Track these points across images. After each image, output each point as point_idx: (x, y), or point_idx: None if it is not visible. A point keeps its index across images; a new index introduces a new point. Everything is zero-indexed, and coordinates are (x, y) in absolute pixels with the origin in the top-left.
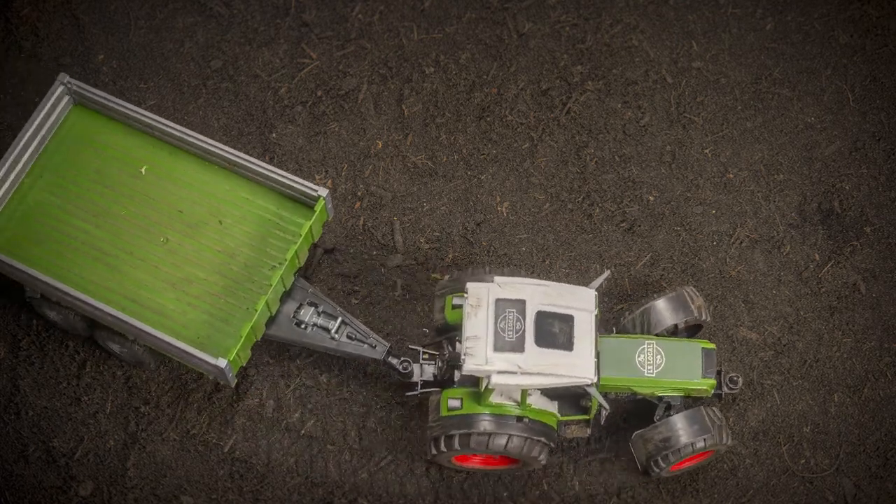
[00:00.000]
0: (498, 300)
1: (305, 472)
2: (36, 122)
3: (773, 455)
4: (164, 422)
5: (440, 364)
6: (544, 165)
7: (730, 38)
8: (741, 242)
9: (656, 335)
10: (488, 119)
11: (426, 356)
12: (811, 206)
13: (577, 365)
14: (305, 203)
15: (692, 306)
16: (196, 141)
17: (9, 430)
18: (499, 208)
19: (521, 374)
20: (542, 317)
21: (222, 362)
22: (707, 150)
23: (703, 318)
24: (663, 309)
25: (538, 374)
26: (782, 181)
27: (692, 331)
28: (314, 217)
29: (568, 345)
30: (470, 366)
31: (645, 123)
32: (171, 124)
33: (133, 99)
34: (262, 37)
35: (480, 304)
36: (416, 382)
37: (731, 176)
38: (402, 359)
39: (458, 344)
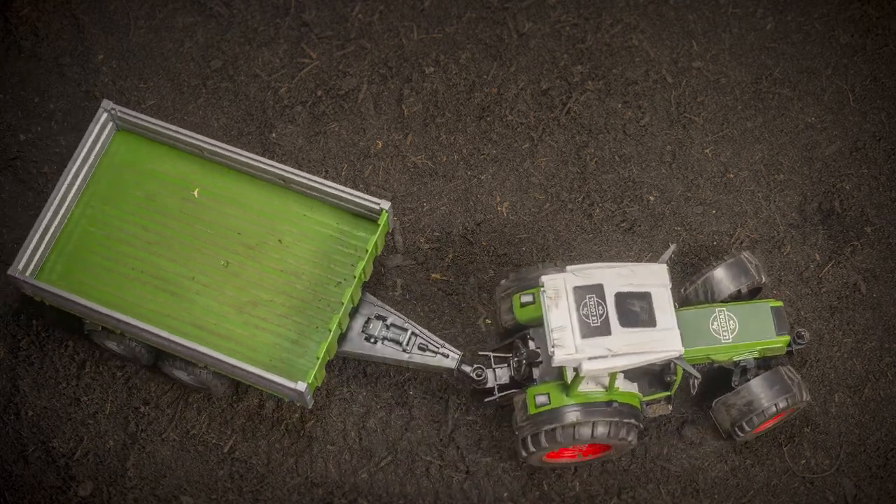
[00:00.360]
0: (576, 288)
1: (305, 473)
2: (83, 153)
3: (774, 455)
4: (163, 422)
5: (517, 364)
6: (544, 165)
7: (730, 38)
8: (741, 242)
9: (722, 302)
10: (488, 119)
11: (497, 360)
12: (811, 206)
13: (663, 339)
14: (366, 216)
15: (752, 270)
16: (248, 160)
17: (8, 431)
18: (499, 208)
19: (612, 356)
20: (621, 298)
21: (302, 386)
22: (707, 150)
23: (763, 279)
24: (723, 277)
25: (628, 354)
26: (783, 181)
27: (752, 293)
28: (379, 231)
29: (651, 321)
30: (560, 356)
31: (645, 123)
32: (221, 144)
33: (133, 99)
34: (261, 37)
35: (559, 294)
36: (493, 388)
37: (732, 176)
38: (476, 366)
39: (531, 342)
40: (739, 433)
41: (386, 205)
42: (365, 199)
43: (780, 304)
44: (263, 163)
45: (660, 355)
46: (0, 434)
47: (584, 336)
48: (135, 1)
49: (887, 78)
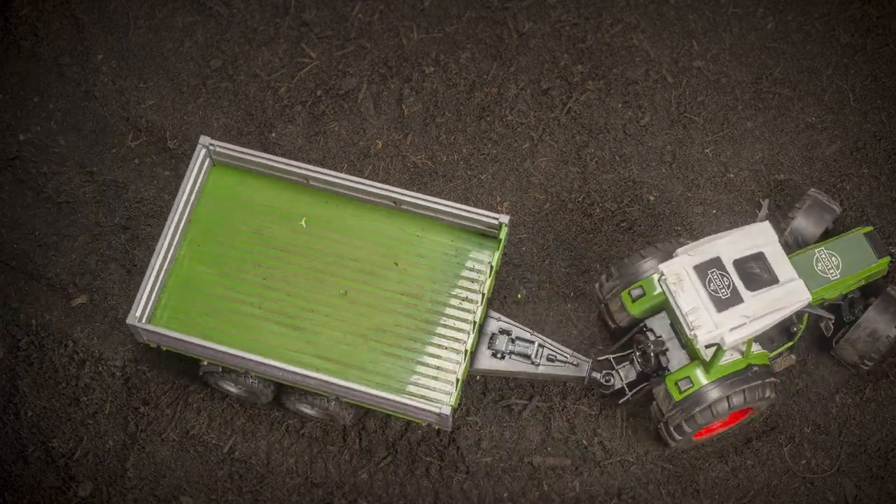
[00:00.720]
0: (696, 267)
1: (305, 473)
2: (185, 193)
3: (775, 456)
4: (163, 422)
5: (643, 357)
6: (544, 165)
7: (730, 38)
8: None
9: (815, 243)
10: (488, 119)
11: (618, 360)
12: None
13: (791, 291)
14: (481, 231)
15: (828, 203)
16: (353, 184)
17: (8, 431)
18: (499, 208)
19: (750, 322)
20: (739, 264)
21: (446, 409)
22: (707, 150)
23: (839, 209)
24: (807, 223)
25: (764, 315)
26: (783, 181)
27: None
28: (501, 245)
29: (773, 278)
30: (703, 336)
31: (645, 123)
32: (327, 171)
33: (133, 99)
34: (261, 36)
35: (681, 278)
36: (622, 388)
37: (732, 176)
38: (605, 371)
39: (650, 333)
40: (868, 363)
41: (505, 219)
42: (483, 215)
43: (870, 228)
44: (375, 186)
45: (793, 307)
46: (0, 434)
47: (719, 310)
48: (134, 0)
49: (888, 78)
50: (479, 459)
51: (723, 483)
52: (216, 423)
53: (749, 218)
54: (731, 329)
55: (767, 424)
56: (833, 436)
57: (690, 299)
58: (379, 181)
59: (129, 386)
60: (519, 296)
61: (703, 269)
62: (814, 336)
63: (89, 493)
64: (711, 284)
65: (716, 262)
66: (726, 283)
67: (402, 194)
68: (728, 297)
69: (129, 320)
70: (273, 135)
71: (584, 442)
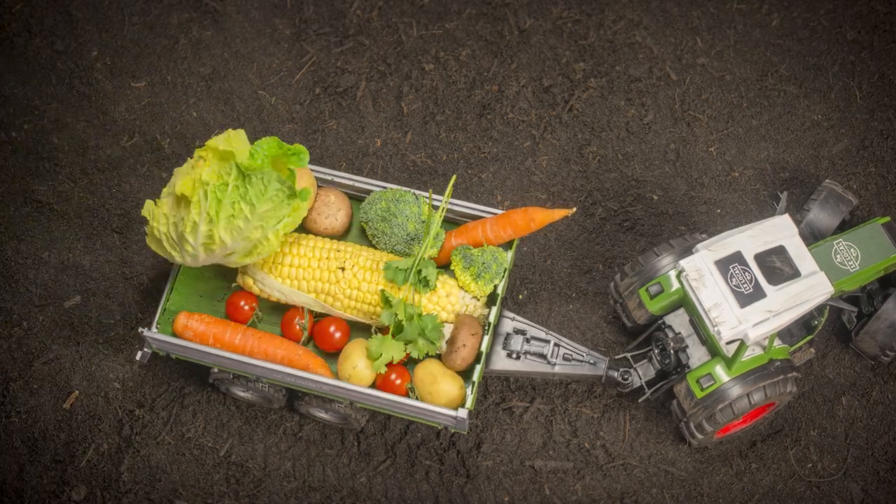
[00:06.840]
0: (717, 262)
1: (303, 477)
2: None
3: (780, 459)
4: (158, 425)
5: (662, 354)
6: (546, 164)
7: (735, 35)
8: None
9: (832, 235)
10: (489, 117)
11: (635, 359)
12: None
13: (814, 284)
14: None
15: (844, 194)
16: (363, 185)
17: (0, 434)
18: (500, 207)
19: (774, 316)
20: (760, 258)
21: (463, 412)
22: (712, 149)
23: (855, 200)
24: (823, 215)
25: (787, 309)
26: (788, 180)
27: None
28: (514, 247)
29: (795, 272)
30: (727, 332)
31: (648, 121)
32: (329, 171)
33: (130, 97)
34: (258, 33)
35: (702, 273)
36: (640, 386)
37: (737, 174)
38: (622, 369)
39: (669, 330)
40: (889, 353)
41: None
42: (495, 214)
43: (887, 219)
44: (380, 187)
45: (816, 300)
46: None
47: (742, 306)
48: None
49: (895, 75)
50: (480, 463)
51: (727, 487)
52: (212, 425)
53: (753, 217)
54: (755, 324)
55: (772, 427)
56: (839, 439)
57: (712, 295)
58: (379, 180)
59: (123, 388)
60: (520, 297)
61: (724, 264)
62: (828, 329)
63: (83, 497)
64: (733, 279)
65: (737, 257)
66: (748, 278)
67: (414, 194)
68: (750, 293)
69: (145, 333)
70: (268, 136)
71: (587, 445)
